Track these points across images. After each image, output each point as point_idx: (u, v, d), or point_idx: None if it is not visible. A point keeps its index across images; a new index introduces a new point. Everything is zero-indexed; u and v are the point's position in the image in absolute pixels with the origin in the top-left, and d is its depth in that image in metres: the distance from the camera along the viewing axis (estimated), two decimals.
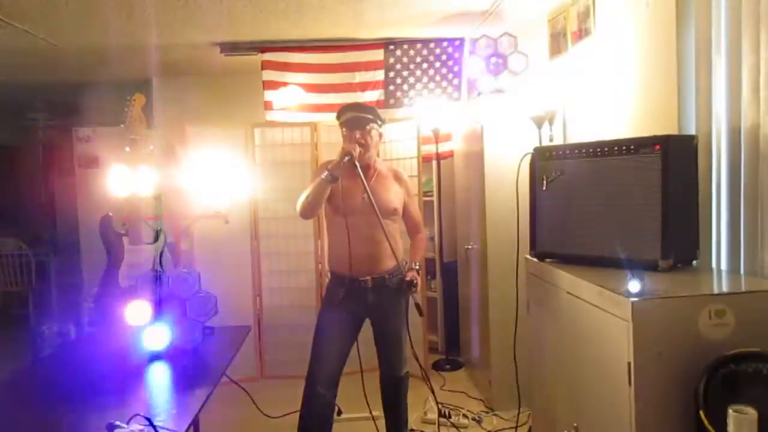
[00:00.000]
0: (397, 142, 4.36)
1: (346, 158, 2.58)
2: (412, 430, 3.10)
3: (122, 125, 2.74)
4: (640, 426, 1.64)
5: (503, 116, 3.57)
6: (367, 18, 3.96)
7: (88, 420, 1.74)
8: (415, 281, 2.64)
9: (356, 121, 2.70)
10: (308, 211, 2.70)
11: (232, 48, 4.60)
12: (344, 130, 2.73)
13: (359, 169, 2.59)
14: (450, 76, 4.59)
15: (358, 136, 2.68)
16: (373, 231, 2.65)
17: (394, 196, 2.81)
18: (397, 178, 2.88)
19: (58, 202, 7.63)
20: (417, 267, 2.72)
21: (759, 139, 1.95)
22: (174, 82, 5.58)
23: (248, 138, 4.27)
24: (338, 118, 2.77)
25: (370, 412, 2.83)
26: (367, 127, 2.71)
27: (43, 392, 1.98)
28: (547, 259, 2.36)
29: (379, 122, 2.79)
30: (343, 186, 2.65)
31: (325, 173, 2.59)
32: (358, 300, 2.74)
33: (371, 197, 2.58)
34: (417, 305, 2.63)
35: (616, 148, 2.08)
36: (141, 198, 2.76)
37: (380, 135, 2.82)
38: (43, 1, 3.46)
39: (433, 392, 2.99)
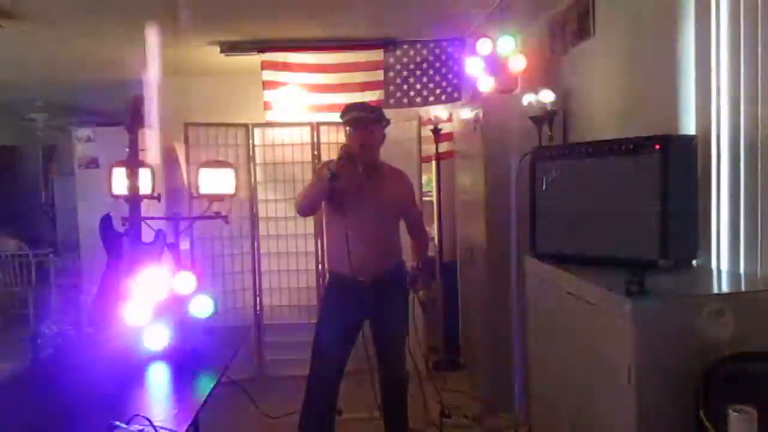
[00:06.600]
0: (397, 143, 4.35)
1: (345, 157, 2.58)
2: (412, 430, 3.10)
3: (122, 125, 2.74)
4: (640, 426, 1.64)
5: (503, 116, 3.57)
6: (367, 18, 3.96)
7: (88, 420, 1.74)
8: (418, 280, 2.65)
9: (359, 120, 2.71)
10: (306, 209, 2.72)
11: (232, 48, 4.60)
12: (348, 128, 2.74)
13: (359, 168, 2.59)
14: (450, 76, 4.59)
15: (360, 135, 2.68)
16: (374, 230, 2.66)
17: (396, 195, 2.81)
18: (399, 177, 2.88)
19: (58, 202, 7.62)
20: (420, 267, 2.72)
21: (759, 138, 1.94)
22: (174, 82, 5.57)
23: (248, 138, 4.27)
24: (342, 116, 2.77)
25: (371, 412, 2.83)
26: (370, 127, 2.71)
27: (43, 392, 1.98)
28: (547, 259, 2.35)
29: (384, 122, 2.79)
30: (344, 185, 2.66)
31: (327, 172, 2.59)
32: (358, 300, 2.73)
33: (372, 196, 2.58)
34: (422, 304, 2.63)
35: (616, 147, 2.07)
36: (141, 198, 2.75)
37: (383, 136, 2.82)
38: (44, 2, 3.46)
39: (437, 392, 2.99)
